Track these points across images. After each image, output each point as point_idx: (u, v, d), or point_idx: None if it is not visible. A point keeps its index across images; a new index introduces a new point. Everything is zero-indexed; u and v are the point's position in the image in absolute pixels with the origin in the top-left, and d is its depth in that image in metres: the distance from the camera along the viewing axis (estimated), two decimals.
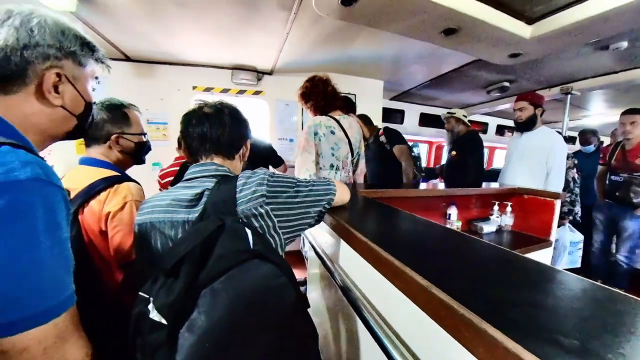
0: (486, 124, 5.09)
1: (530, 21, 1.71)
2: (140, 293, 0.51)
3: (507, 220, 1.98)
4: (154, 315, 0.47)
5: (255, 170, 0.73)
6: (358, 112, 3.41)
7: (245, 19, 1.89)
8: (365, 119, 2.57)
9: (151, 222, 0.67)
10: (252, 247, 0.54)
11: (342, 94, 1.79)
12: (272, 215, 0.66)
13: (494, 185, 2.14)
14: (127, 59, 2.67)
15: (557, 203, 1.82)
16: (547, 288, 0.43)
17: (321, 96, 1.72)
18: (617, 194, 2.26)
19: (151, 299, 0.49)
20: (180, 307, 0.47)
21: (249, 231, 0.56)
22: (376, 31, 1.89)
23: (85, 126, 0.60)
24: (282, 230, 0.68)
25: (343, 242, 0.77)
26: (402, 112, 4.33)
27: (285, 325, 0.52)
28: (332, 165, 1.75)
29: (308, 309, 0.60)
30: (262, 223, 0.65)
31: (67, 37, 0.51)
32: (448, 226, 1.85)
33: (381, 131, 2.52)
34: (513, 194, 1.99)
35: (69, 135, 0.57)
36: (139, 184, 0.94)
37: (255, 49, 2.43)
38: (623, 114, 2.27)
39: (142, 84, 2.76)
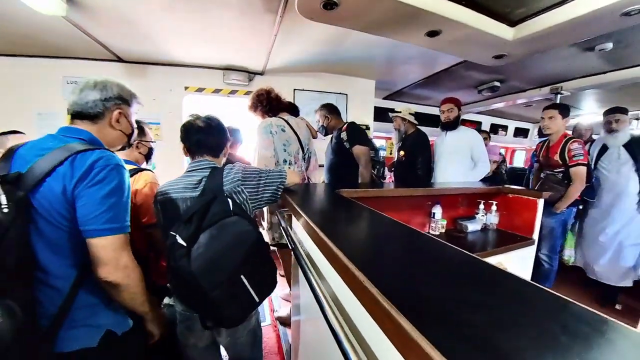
0: (479, 123, 5.12)
1: (512, 23, 1.74)
2: (171, 232, 0.89)
3: (492, 218, 2.01)
4: (180, 240, 0.85)
5: (233, 165, 1.13)
6: (349, 111, 3.47)
7: (233, 22, 1.91)
8: (331, 109, 2.41)
9: (170, 197, 1.04)
10: (231, 209, 0.93)
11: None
12: (245, 192, 1.07)
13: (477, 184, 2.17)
14: (119, 60, 2.69)
15: (540, 202, 1.85)
16: (481, 287, 0.46)
17: (266, 101, 2.00)
18: (536, 189, 2.28)
19: (177, 235, 0.86)
20: (192, 238, 0.85)
21: (229, 201, 0.96)
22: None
23: (130, 141, 1.02)
24: (251, 202, 1.09)
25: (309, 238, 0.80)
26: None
27: (251, 252, 0.92)
28: (285, 160, 1.90)
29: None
30: (240, 197, 1.06)
31: (123, 91, 0.93)
32: (432, 225, 1.89)
33: (345, 126, 2.29)
34: (498, 193, 2.02)
35: (122, 147, 1.01)
36: (153, 172, 1.40)
37: (245, 50, 2.45)
38: (543, 109, 2.28)
39: (134, 84, 2.67)
